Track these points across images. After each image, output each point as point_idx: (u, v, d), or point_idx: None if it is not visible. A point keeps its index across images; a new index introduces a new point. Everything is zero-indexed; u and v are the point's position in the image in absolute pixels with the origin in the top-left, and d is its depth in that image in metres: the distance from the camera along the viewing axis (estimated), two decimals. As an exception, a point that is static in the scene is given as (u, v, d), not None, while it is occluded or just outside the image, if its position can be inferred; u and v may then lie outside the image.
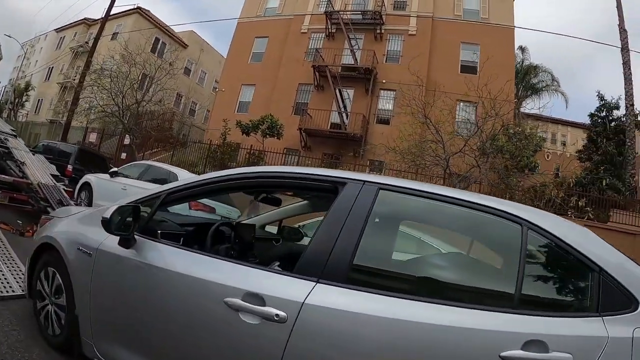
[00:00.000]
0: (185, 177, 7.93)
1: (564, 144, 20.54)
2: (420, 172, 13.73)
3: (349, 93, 19.78)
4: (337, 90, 18.98)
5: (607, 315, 1.47)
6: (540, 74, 24.56)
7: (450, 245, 2.38)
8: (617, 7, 21.30)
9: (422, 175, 13.69)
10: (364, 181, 1.93)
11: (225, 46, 66.46)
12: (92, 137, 20.81)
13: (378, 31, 20.46)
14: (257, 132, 16.39)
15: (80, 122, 19.52)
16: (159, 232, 2.31)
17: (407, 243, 2.99)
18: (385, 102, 20.06)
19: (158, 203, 2.32)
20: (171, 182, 7.78)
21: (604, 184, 16.35)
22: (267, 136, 16.38)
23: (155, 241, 2.18)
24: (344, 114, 18.98)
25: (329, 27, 20.88)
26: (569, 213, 14.29)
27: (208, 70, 31.00)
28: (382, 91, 20.00)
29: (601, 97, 20.75)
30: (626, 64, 20.52)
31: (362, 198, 1.85)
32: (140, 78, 16.98)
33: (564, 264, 1.75)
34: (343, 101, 19.15)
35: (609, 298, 1.50)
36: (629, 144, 19.57)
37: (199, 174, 9.63)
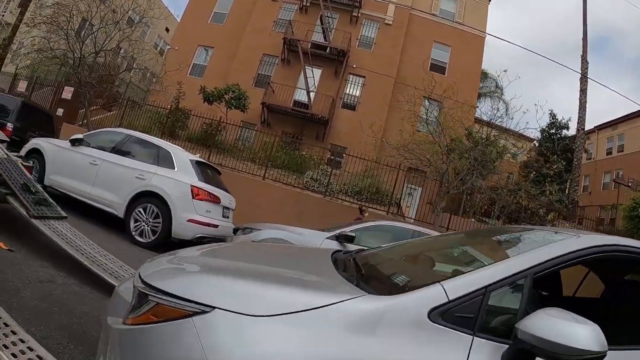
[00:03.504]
0: (182, 157, 7.59)
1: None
2: (382, 163, 14.55)
3: (316, 73, 20.78)
4: (306, 68, 19.77)
5: None
6: (485, 80, 27.37)
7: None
8: (582, 39, 24.63)
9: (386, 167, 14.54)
10: None
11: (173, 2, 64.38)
12: (22, 86, 18.88)
13: (354, 14, 22.03)
14: (221, 102, 16.80)
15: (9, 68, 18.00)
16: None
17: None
18: (354, 88, 21.71)
19: (524, 298, 1.70)
20: (161, 161, 7.48)
21: (573, 201, 19.13)
22: (233, 107, 16.85)
23: None
24: (311, 93, 19.68)
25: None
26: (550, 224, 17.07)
27: (152, 23, 30.18)
28: (351, 76, 21.51)
29: (553, 116, 23.96)
30: (583, 92, 23.82)
31: None
32: (90, 22, 15.89)
33: None
34: (307, 79, 20.19)
35: None
36: (576, 163, 22.67)
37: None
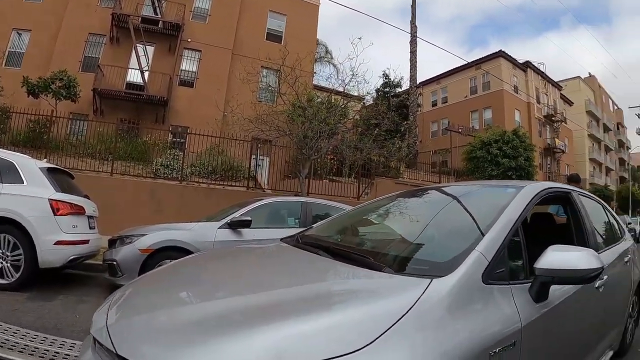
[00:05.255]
0: (30, 167, 6.14)
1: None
2: (230, 137, 14.32)
3: (149, 50, 20.12)
4: (138, 46, 18.91)
5: None
6: (317, 46, 27.41)
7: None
8: (411, 5, 26.29)
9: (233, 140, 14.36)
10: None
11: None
12: None
13: (186, -16, 20.97)
14: (48, 93, 15.34)
15: None
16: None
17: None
18: (190, 63, 21.22)
19: (522, 242, 2.19)
20: (3, 176, 5.77)
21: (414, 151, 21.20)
22: (62, 98, 15.56)
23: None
24: (145, 73, 18.90)
25: (129, -30, 20.53)
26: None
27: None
28: (186, 51, 21.04)
29: (386, 76, 26.12)
30: (413, 53, 25.99)
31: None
32: None
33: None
34: (139, 58, 19.24)
35: None
36: (412, 117, 24.99)
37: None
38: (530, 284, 1.94)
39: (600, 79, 54.11)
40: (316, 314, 1.48)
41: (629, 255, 3.91)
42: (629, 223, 23.33)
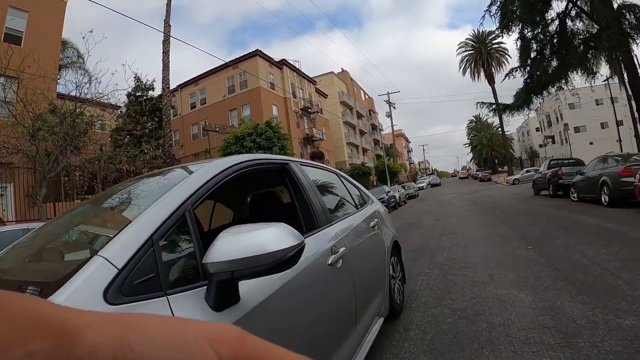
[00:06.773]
0: None
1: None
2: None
3: None
4: None
5: None
6: (66, 50, 26.07)
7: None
8: (167, 4, 26.78)
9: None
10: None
11: None
12: None
13: None
14: None
15: None
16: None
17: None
18: None
19: (193, 232, 1.63)
20: None
21: (170, 155, 21.89)
22: None
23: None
24: None
25: None
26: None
27: None
28: None
29: (138, 79, 26.68)
30: (166, 54, 26.89)
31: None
32: None
33: None
34: None
35: None
36: (166, 120, 26.00)
37: None
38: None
39: (352, 74, 63.83)
40: None
41: (376, 220, 3.86)
42: (389, 191, 25.99)
